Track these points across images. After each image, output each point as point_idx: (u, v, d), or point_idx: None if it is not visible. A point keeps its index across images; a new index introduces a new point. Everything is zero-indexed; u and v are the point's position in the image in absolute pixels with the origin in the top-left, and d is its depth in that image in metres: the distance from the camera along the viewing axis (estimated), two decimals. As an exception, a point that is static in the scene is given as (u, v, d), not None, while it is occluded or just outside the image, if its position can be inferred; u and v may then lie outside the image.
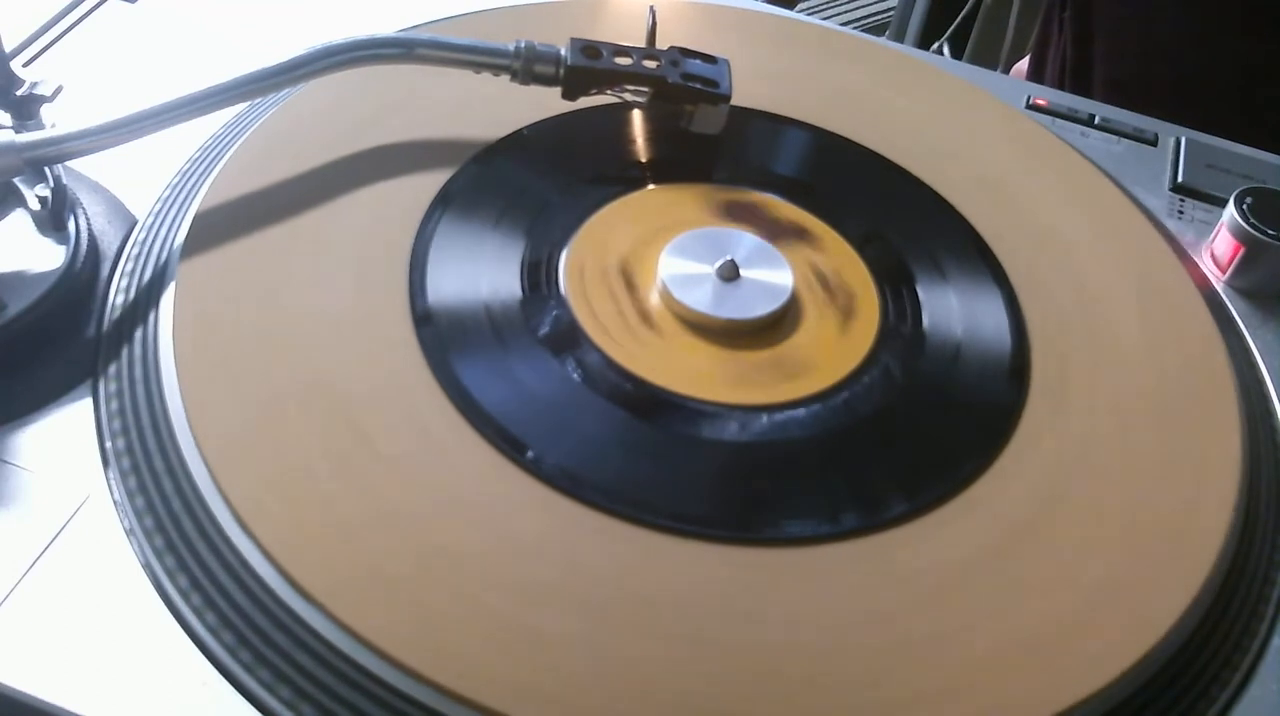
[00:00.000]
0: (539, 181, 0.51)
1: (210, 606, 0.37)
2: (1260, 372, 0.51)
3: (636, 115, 0.55)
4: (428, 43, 0.50)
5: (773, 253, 0.49)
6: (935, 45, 1.41)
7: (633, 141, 0.55)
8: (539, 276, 0.47)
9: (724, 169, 0.54)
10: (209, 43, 0.57)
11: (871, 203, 0.54)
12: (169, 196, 0.49)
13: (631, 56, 0.51)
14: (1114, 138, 0.62)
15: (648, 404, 0.43)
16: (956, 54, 1.38)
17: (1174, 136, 0.62)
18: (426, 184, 0.50)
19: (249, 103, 0.52)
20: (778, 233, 0.51)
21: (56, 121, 0.47)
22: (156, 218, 0.48)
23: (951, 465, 0.43)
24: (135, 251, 0.46)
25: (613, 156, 0.54)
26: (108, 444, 0.41)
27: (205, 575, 0.37)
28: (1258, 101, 0.80)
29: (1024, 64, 1.00)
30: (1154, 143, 0.62)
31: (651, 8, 0.53)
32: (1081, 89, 0.86)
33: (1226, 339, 0.50)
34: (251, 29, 0.58)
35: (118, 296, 0.45)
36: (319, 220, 0.47)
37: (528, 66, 0.50)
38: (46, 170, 0.44)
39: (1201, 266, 0.55)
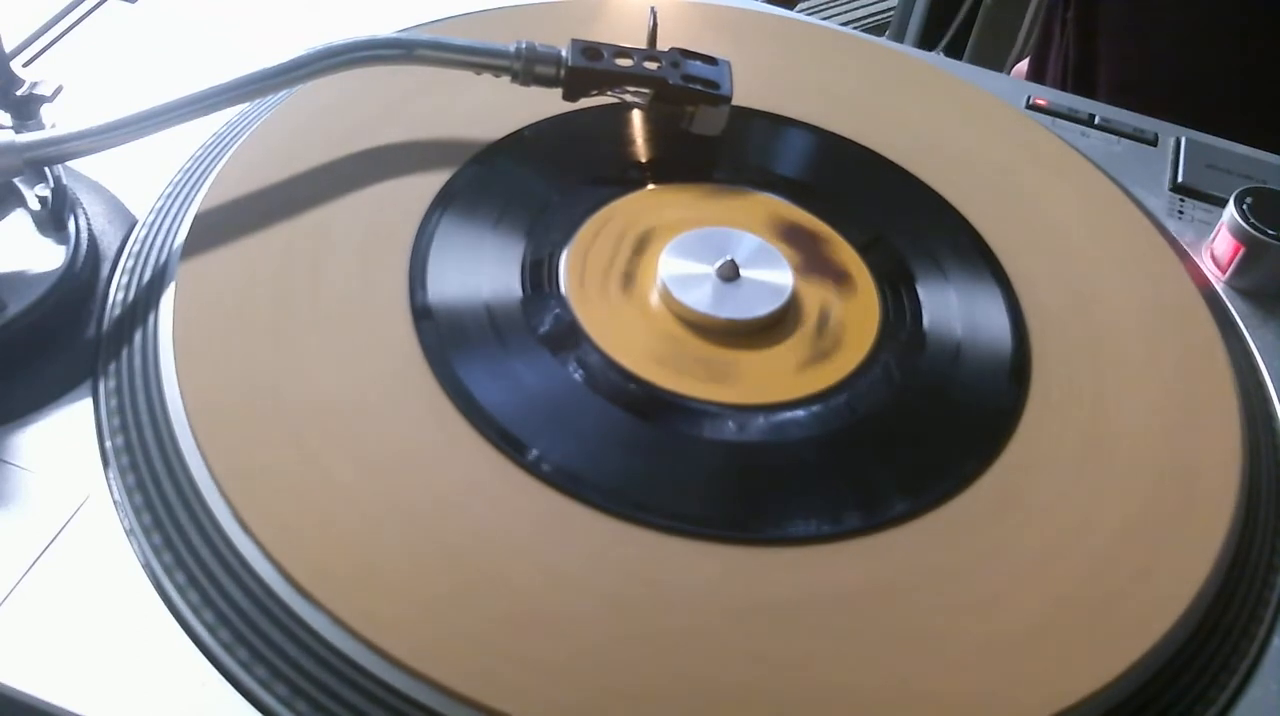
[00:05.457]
0: (539, 181, 0.51)
1: (207, 603, 0.37)
2: (1260, 373, 0.51)
3: (637, 116, 0.55)
4: (428, 44, 0.50)
5: (773, 253, 0.49)
6: (937, 49, 1.41)
7: (633, 142, 0.55)
8: (540, 276, 0.47)
9: (724, 169, 0.54)
10: (209, 43, 0.57)
11: (872, 203, 0.54)
12: (169, 195, 0.49)
13: (632, 58, 0.51)
14: (1114, 138, 0.62)
15: (648, 403, 0.43)
16: (956, 56, 1.38)
17: (1174, 136, 0.62)
18: (427, 184, 0.50)
19: (249, 103, 0.52)
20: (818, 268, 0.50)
21: (56, 121, 0.47)
22: (156, 217, 0.48)
23: (952, 465, 0.43)
24: (135, 250, 0.46)
25: (613, 157, 0.54)
26: (107, 443, 0.41)
27: (202, 571, 0.37)
28: (1262, 103, 0.80)
29: (1025, 64, 1.00)
30: (1154, 143, 0.62)
31: (653, 9, 0.53)
32: (1085, 89, 0.86)
33: (1226, 339, 0.50)
34: (251, 29, 0.58)
35: (118, 295, 0.45)
36: (319, 220, 0.47)
37: (528, 67, 0.50)
38: (46, 170, 0.44)
39: (1201, 266, 0.55)
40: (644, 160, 0.54)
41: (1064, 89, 0.86)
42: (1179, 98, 0.80)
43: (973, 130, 0.59)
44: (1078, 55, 0.87)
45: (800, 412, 0.44)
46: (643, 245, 0.49)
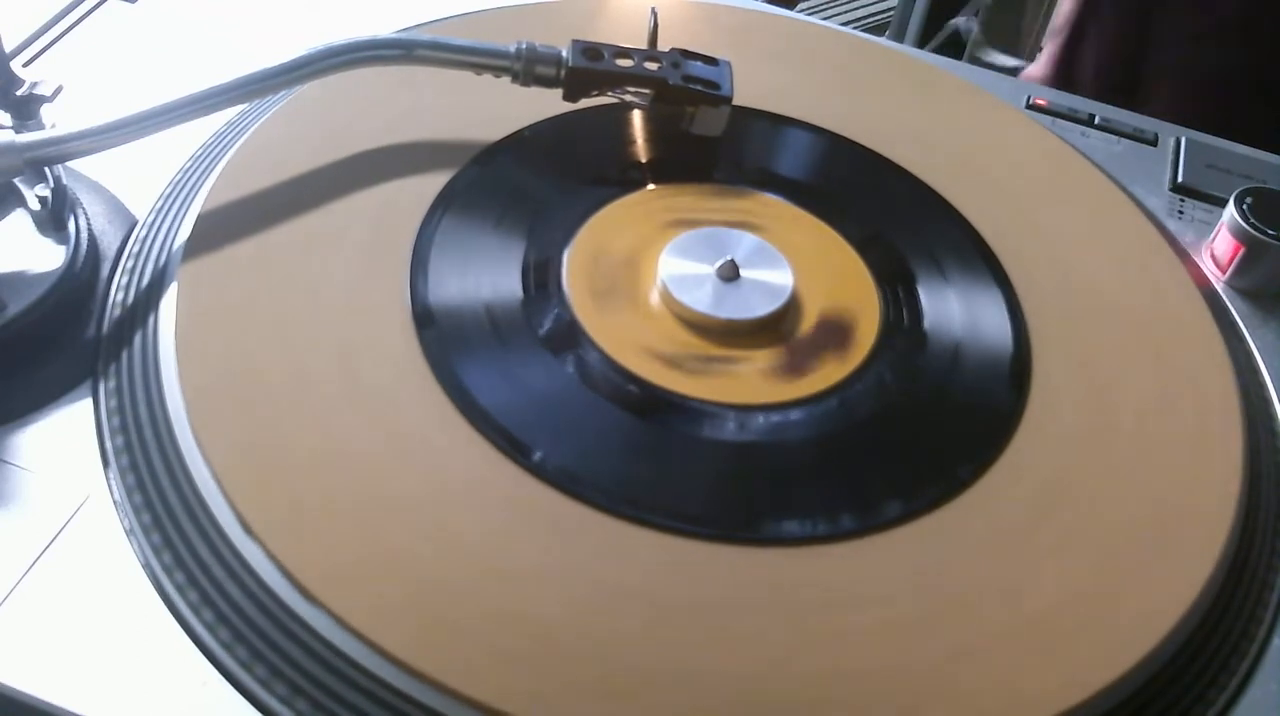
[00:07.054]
0: (540, 182, 0.51)
1: (206, 602, 0.37)
2: (1260, 373, 0.51)
3: (637, 116, 0.55)
4: (428, 44, 0.50)
5: (773, 253, 0.49)
6: (961, 17, 1.39)
7: (633, 142, 0.55)
8: (540, 277, 0.47)
9: (724, 169, 0.54)
10: (209, 43, 0.57)
11: (872, 203, 0.54)
12: (169, 195, 0.49)
13: (633, 58, 0.51)
14: (1114, 138, 0.62)
15: (648, 404, 0.43)
16: (955, 55, 1.38)
17: (1174, 136, 0.62)
18: (427, 185, 0.50)
19: (249, 103, 0.52)
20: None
21: (56, 121, 0.47)
22: (156, 217, 0.48)
23: (951, 466, 0.43)
24: (135, 250, 0.46)
25: (613, 157, 0.54)
26: (107, 443, 0.41)
27: (202, 571, 0.37)
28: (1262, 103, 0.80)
29: (1032, 68, 1.00)
30: (1154, 143, 0.62)
31: (653, 9, 0.53)
32: (1127, 82, 0.85)
33: (1226, 339, 0.50)
34: (251, 29, 0.58)
35: (118, 296, 0.45)
36: (319, 221, 0.47)
37: (529, 68, 0.50)
38: (46, 170, 0.44)
39: (1201, 266, 0.55)
40: (644, 160, 0.54)
41: (1100, 82, 0.86)
42: (1180, 97, 0.80)
43: (972, 130, 0.59)
44: (1120, 47, 0.86)
45: (800, 413, 0.44)
46: (643, 246, 0.49)
